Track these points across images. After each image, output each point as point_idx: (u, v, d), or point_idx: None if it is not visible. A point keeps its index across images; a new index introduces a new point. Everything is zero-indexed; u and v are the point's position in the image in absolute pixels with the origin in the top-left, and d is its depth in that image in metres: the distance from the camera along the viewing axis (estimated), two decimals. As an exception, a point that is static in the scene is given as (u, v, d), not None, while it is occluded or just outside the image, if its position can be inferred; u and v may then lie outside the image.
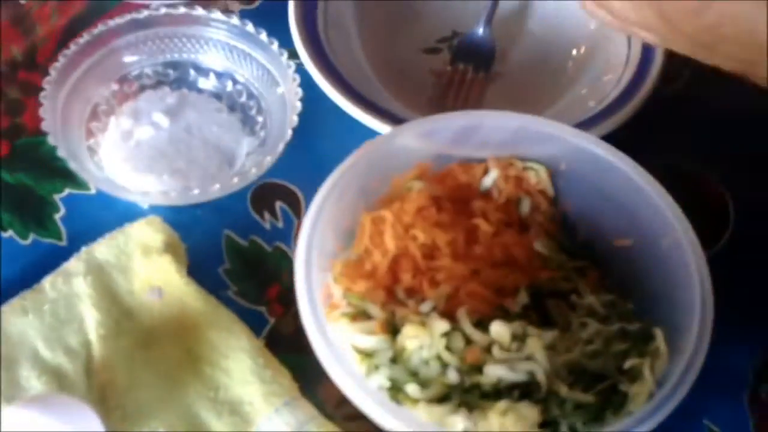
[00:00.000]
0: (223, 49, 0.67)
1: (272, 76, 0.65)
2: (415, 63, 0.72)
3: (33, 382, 0.53)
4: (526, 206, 0.58)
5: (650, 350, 0.51)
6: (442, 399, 0.49)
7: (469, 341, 0.50)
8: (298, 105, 0.61)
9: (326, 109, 0.63)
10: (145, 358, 0.54)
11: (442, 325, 0.50)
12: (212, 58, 0.67)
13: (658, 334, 0.51)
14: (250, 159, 0.63)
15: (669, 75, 0.71)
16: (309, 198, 0.53)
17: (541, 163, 0.58)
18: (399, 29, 0.73)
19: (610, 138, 0.59)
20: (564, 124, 0.57)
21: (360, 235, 0.55)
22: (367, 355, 0.50)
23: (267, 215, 0.63)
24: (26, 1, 0.74)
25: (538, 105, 0.67)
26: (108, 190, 0.59)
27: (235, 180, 0.58)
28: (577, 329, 0.53)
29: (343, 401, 0.48)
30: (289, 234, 0.62)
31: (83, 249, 0.58)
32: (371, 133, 0.59)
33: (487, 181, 0.58)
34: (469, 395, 0.49)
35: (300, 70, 0.64)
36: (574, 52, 0.72)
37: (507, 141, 0.57)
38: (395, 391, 0.49)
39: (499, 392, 0.49)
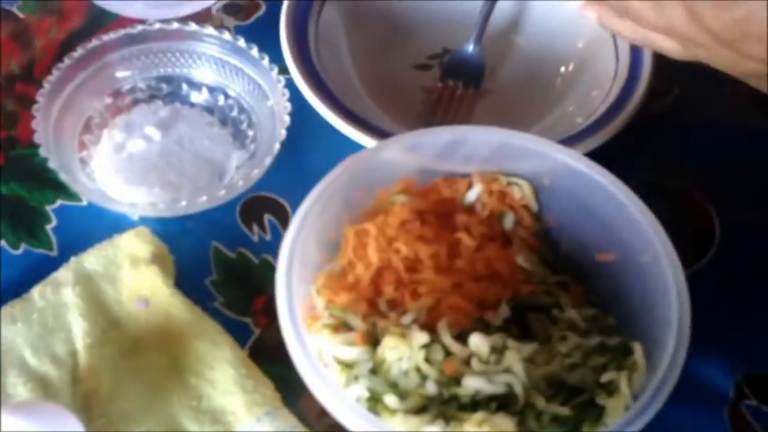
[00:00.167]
0: (215, 63, 0.68)
1: (263, 90, 0.66)
2: (406, 79, 0.73)
3: (19, 389, 0.53)
4: (509, 221, 0.59)
5: (629, 364, 0.51)
6: (420, 410, 0.49)
7: (448, 353, 0.51)
8: (287, 119, 0.62)
9: (316, 123, 0.64)
10: (130, 367, 0.55)
11: (421, 337, 0.50)
12: (204, 73, 0.68)
13: (637, 348, 0.52)
14: (240, 172, 0.64)
15: (658, 93, 0.72)
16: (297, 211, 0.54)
17: (525, 178, 0.58)
18: (390, 46, 0.74)
19: (598, 154, 0.60)
20: (550, 139, 0.58)
21: (344, 247, 0.55)
22: (347, 365, 0.50)
23: (255, 228, 0.64)
24: (25, 16, 0.76)
25: (526, 121, 0.68)
26: (97, 201, 0.60)
27: (222, 192, 0.59)
28: (557, 343, 0.53)
29: (324, 412, 0.48)
30: (276, 246, 0.62)
31: (72, 259, 0.59)
32: (360, 148, 0.60)
33: (471, 195, 0.58)
34: (447, 407, 0.49)
35: (290, 85, 0.65)
36: (563, 69, 0.72)
37: (491, 156, 0.58)
38: (374, 402, 0.49)
39: (476, 404, 0.49)
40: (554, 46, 0.73)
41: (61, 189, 0.64)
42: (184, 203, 0.59)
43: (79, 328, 0.56)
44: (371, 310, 0.54)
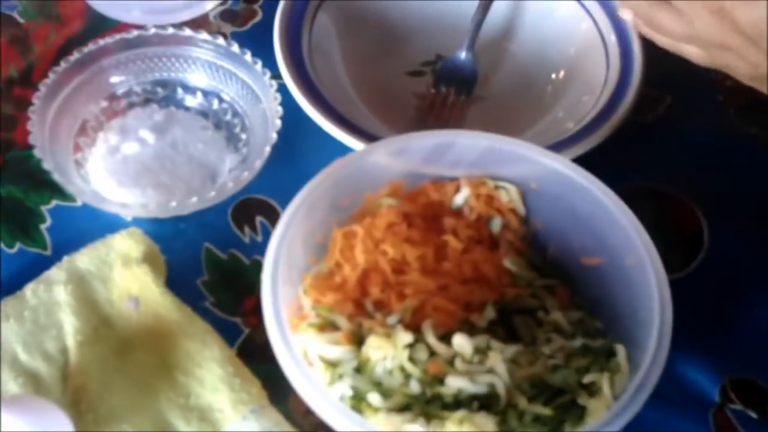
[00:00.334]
0: (210, 68, 0.69)
1: (256, 94, 0.67)
2: (399, 85, 0.74)
3: (10, 384, 0.54)
4: (496, 224, 0.59)
5: (612, 366, 0.52)
6: (403, 409, 0.50)
7: (433, 353, 0.52)
8: (278, 123, 0.63)
9: (309, 127, 0.65)
10: (119, 365, 0.55)
11: (405, 337, 0.51)
12: (199, 77, 0.69)
13: (620, 350, 0.52)
14: (232, 175, 0.65)
15: (650, 101, 0.73)
16: (288, 213, 0.55)
17: (513, 182, 0.59)
18: (384, 52, 0.75)
19: (590, 161, 0.60)
20: (538, 144, 0.58)
21: (331, 249, 0.56)
22: (331, 364, 0.51)
23: (247, 229, 0.64)
24: (25, 21, 0.77)
25: (517, 127, 0.69)
26: (90, 201, 0.61)
27: (212, 194, 0.60)
28: (541, 344, 0.54)
29: (310, 411, 0.49)
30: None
31: (65, 258, 0.60)
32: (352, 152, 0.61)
33: (459, 199, 0.59)
34: (430, 406, 0.50)
35: (282, 89, 0.66)
36: (554, 76, 0.73)
37: (479, 160, 0.58)
38: (357, 400, 0.50)
39: (459, 403, 0.50)
40: (546, 53, 0.74)
41: (56, 190, 0.65)
42: (174, 204, 0.59)
43: (70, 326, 0.56)
44: (358, 310, 0.54)
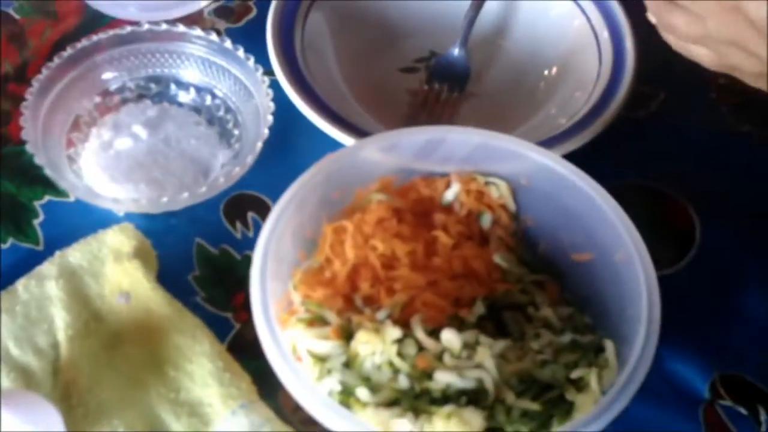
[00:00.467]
0: (203, 64, 0.69)
1: (248, 90, 0.67)
2: (392, 82, 0.74)
3: (2, 379, 0.54)
4: (487, 220, 0.59)
5: (600, 361, 0.52)
6: (391, 404, 0.50)
7: (421, 348, 0.52)
8: (270, 119, 0.63)
9: (301, 123, 0.65)
10: (109, 359, 0.56)
11: (394, 332, 0.51)
12: (192, 73, 0.70)
13: (609, 345, 0.52)
14: (224, 170, 0.65)
15: (643, 98, 0.73)
16: (280, 209, 0.55)
17: (503, 178, 0.59)
18: (377, 49, 0.75)
19: (583, 157, 0.60)
20: (531, 140, 0.59)
21: (321, 244, 0.56)
22: (320, 359, 0.51)
23: (239, 225, 0.65)
24: (21, 18, 0.77)
25: (510, 124, 0.69)
26: (82, 197, 0.61)
27: (203, 189, 0.60)
28: (530, 340, 0.54)
29: (299, 406, 0.49)
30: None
31: (57, 253, 0.60)
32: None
33: (449, 195, 0.59)
34: (419, 401, 0.50)
35: (275, 85, 0.66)
36: (546, 72, 0.73)
37: (469, 156, 0.58)
38: (346, 395, 0.50)
39: (447, 398, 0.50)
40: (539, 50, 0.74)
41: (49, 185, 0.65)
42: (165, 200, 0.60)
43: (61, 321, 0.57)
44: (348, 305, 0.55)
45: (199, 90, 0.70)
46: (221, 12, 0.78)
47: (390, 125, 0.68)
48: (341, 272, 0.55)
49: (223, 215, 0.65)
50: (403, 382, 0.50)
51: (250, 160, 0.61)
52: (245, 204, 0.66)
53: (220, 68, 0.68)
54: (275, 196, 0.65)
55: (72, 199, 0.65)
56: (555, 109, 0.70)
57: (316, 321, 0.53)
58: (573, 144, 0.64)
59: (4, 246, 0.63)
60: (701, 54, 0.56)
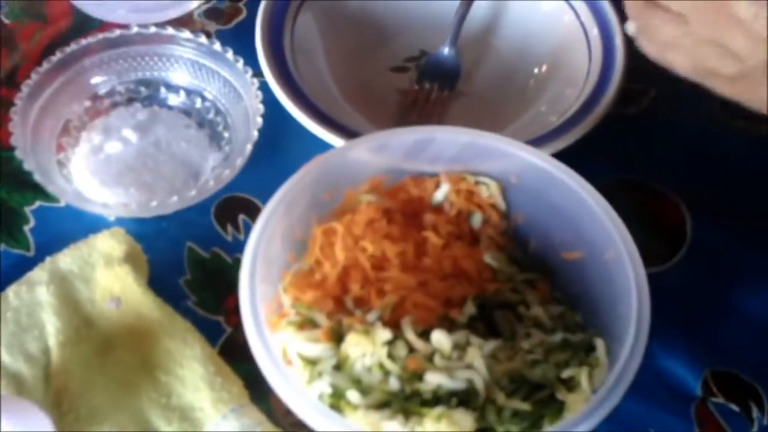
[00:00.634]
0: (192, 66, 0.69)
1: (238, 92, 0.67)
2: (382, 81, 0.74)
3: (-6, 386, 0.55)
4: (477, 220, 0.59)
5: (591, 360, 0.52)
6: (382, 406, 0.50)
7: (412, 350, 0.52)
8: (260, 121, 0.63)
9: (291, 125, 0.65)
10: (100, 364, 0.56)
11: (384, 334, 0.51)
12: (182, 76, 0.70)
13: (599, 344, 0.52)
14: (213, 173, 0.65)
15: (634, 94, 0.73)
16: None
17: (493, 177, 0.59)
18: (367, 49, 0.75)
19: (574, 154, 0.60)
20: (522, 138, 0.59)
21: (311, 246, 0.56)
22: (310, 362, 0.51)
23: (230, 228, 0.65)
24: (10, 22, 0.77)
25: (500, 122, 0.69)
26: (72, 201, 0.61)
27: (193, 193, 0.60)
28: (521, 339, 0.54)
29: (290, 410, 0.49)
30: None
31: (48, 259, 0.60)
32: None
33: (439, 195, 0.59)
34: (410, 402, 0.50)
35: (264, 87, 0.66)
36: (536, 70, 0.73)
37: (458, 156, 0.58)
38: (336, 398, 0.50)
39: (438, 399, 0.50)
40: (529, 48, 0.74)
41: (39, 190, 0.65)
42: (155, 204, 0.60)
43: (52, 327, 0.57)
44: (338, 307, 0.55)
45: (188, 93, 0.70)
46: (211, 14, 0.78)
47: (380, 125, 0.68)
48: (331, 274, 0.55)
49: (213, 218, 0.65)
50: (393, 383, 0.50)
51: (240, 162, 0.61)
52: (236, 206, 0.66)
53: (210, 71, 0.68)
54: (266, 198, 0.65)
55: (62, 204, 0.65)
56: (545, 106, 0.70)
57: (307, 324, 0.53)
58: (564, 141, 0.64)
59: (-5, 252, 0.63)
60: (677, 60, 0.56)
